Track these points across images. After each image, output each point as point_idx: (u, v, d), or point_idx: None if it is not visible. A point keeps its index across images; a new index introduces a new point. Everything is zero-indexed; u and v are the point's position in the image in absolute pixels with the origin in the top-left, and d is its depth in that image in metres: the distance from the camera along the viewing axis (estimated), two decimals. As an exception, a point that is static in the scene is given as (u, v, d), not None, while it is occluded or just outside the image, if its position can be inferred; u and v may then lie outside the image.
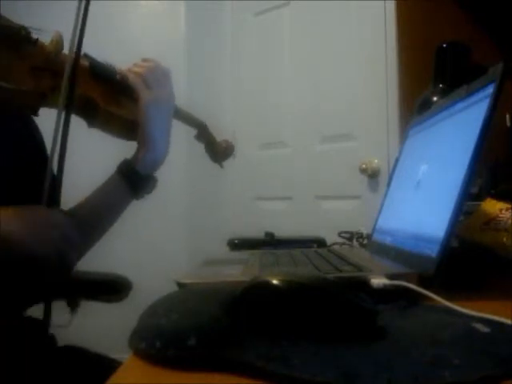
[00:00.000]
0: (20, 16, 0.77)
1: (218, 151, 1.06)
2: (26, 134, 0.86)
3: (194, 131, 1.05)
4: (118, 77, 0.86)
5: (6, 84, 0.69)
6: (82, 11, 0.68)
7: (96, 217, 0.88)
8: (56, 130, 0.67)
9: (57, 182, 0.68)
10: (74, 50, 0.69)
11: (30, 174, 0.83)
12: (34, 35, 0.74)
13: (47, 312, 0.68)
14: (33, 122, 0.89)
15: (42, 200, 0.72)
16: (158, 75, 0.88)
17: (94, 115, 0.82)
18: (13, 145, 0.82)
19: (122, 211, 0.89)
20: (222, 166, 1.08)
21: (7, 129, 0.82)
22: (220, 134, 1.10)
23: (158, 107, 0.86)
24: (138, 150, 0.87)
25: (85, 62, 0.82)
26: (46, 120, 0.83)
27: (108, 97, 0.84)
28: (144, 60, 0.90)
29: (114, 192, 0.87)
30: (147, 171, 0.87)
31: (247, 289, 0.42)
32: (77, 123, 0.78)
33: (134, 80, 0.85)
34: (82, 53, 0.72)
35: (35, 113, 0.75)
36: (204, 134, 1.04)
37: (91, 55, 0.84)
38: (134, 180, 0.86)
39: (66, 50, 0.75)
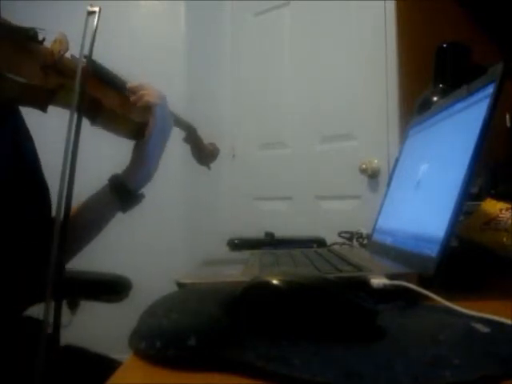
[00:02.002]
0: (21, 15, 0.77)
1: (204, 154, 1.08)
2: (19, 138, 0.86)
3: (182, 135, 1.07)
4: (127, 86, 0.90)
5: (18, 78, 0.70)
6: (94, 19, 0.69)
7: (84, 228, 0.92)
8: (69, 132, 0.68)
9: (69, 182, 0.68)
10: (84, 55, 0.70)
11: (23, 178, 0.84)
12: (40, 35, 0.75)
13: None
14: (24, 126, 0.89)
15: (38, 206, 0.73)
16: (165, 109, 0.92)
17: (97, 114, 0.83)
18: (9, 147, 0.82)
19: (108, 222, 0.93)
20: (209, 168, 1.11)
21: (4, 132, 0.82)
22: (213, 137, 1.11)
23: (161, 137, 0.91)
24: (132, 167, 0.91)
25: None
26: (47, 120, 0.83)
27: (110, 97, 0.85)
28: (148, 85, 0.92)
29: (104, 205, 0.91)
30: (137, 187, 0.90)
31: (247, 289, 0.42)
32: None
33: (147, 108, 0.88)
34: (84, 54, 0.73)
35: (44, 109, 0.76)
36: (192, 137, 1.07)
37: (93, 58, 0.85)
38: (123, 196, 0.89)
39: (69, 50, 0.76)
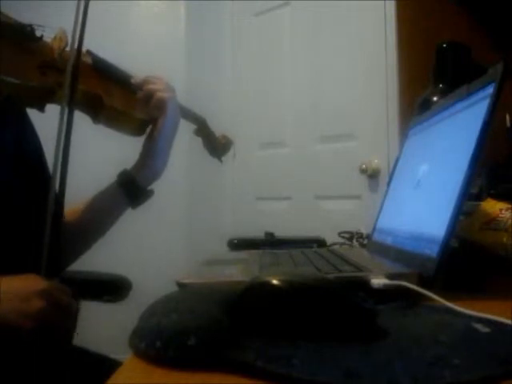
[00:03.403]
0: (20, 13, 0.77)
1: (217, 146, 1.06)
2: (23, 135, 0.86)
3: (193, 127, 1.06)
4: (132, 81, 0.88)
5: (14, 79, 0.69)
6: (81, 8, 0.68)
7: (94, 224, 0.92)
8: (60, 127, 0.68)
9: (61, 178, 0.68)
10: (75, 46, 0.70)
11: (28, 175, 0.84)
12: (38, 32, 0.75)
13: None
14: (29, 123, 0.89)
15: (39, 202, 0.73)
16: (176, 103, 0.90)
17: (98, 111, 0.82)
18: (11, 146, 0.82)
19: (117, 218, 0.92)
20: (221, 161, 1.09)
21: (6, 130, 0.82)
22: (219, 131, 1.10)
23: (172, 132, 0.90)
24: (141, 163, 0.89)
25: (88, 59, 0.83)
26: (47, 119, 0.83)
27: (113, 93, 0.85)
28: (158, 78, 0.90)
29: (113, 201, 0.90)
30: (146, 184, 0.90)
31: (247, 289, 0.42)
32: (81, 119, 0.79)
33: (160, 104, 0.87)
34: (85, 50, 0.73)
35: (42, 109, 0.76)
36: (203, 129, 1.05)
37: (94, 52, 0.85)
38: (133, 192, 0.88)
39: (69, 47, 0.76)
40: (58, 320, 0.64)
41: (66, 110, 0.68)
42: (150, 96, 0.87)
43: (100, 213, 0.91)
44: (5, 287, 0.62)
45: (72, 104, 0.68)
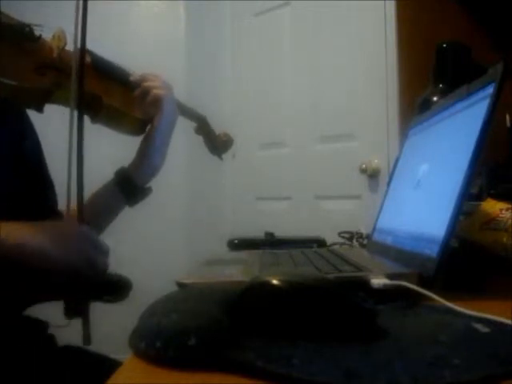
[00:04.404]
0: (20, 13, 0.77)
1: (218, 144, 1.06)
2: (23, 135, 0.86)
3: (193, 125, 1.06)
4: (131, 79, 0.88)
5: (10, 81, 0.69)
6: (80, 9, 0.68)
7: (91, 222, 0.91)
8: (70, 128, 0.68)
9: (78, 179, 0.69)
10: (78, 47, 0.70)
11: (27, 175, 0.84)
12: (36, 32, 0.75)
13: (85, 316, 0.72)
14: (29, 122, 0.89)
15: (40, 201, 0.73)
16: (173, 101, 0.90)
17: (97, 111, 0.82)
18: (11, 146, 0.82)
19: (115, 217, 0.92)
20: (221, 159, 1.09)
21: (6, 130, 0.82)
22: (219, 130, 1.10)
23: (169, 129, 0.89)
24: (138, 161, 0.89)
25: (87, 59, 0.83)
26: (47, 118, 0.83)
27: (112, 93, 0.85)
28: (155, 76, 0.90)
29: (110, 199, 0.90)
30: (143, 181, 0.89)
31: (247, 289, 0.42)
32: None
33: (156, 102, 0.87)
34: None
35: (40, 109, 0.75)
36: (204, 127, 1.05)
37: (93, 51, 0.85)
38: (129, 190, 0.88)
39: (68, 46, 0.75)
40: (99, 258, 0.72)
41: (76, 113, 0.68)
42: (146, 93, 0.87)
43: (97, 211, 0.91)
44: (49, 229, 0.69)
45: (81, 106, 0.68)
